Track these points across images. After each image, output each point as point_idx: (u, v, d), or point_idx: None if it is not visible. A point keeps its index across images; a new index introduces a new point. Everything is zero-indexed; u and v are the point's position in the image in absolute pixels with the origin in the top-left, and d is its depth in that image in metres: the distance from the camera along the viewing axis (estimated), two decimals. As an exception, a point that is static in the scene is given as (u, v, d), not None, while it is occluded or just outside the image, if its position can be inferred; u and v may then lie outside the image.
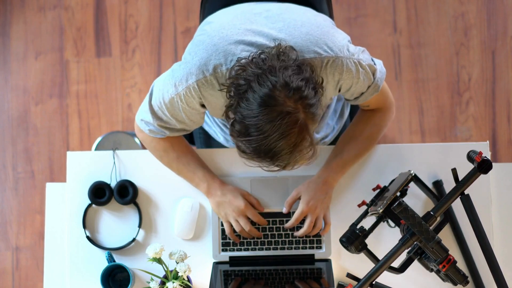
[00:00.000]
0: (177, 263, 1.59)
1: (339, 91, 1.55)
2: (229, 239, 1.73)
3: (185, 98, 1.50)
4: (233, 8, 1.62)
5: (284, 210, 1.72)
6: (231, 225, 1.71)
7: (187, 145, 1.72)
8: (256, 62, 1.36)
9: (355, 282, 1.46)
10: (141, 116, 1.62)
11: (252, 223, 1.71)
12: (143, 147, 2.56)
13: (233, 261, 1.73)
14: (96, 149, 2.56)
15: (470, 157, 1.49)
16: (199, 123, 1.61)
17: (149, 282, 1.60)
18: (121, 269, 1.69)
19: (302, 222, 1.72)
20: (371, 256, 1.54)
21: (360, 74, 1.50)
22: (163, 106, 1.55)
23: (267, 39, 1.46)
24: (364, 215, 1.63)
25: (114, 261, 1.72)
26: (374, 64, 1.55)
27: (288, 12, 1.52)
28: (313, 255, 1.72)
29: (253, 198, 1.73)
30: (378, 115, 1.69)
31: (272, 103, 1.29)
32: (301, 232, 1.70)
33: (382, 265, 1.45)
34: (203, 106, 1.53)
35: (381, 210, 1.54)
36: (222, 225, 1.73)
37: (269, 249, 1.73)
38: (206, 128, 1.92)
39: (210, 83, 1.47)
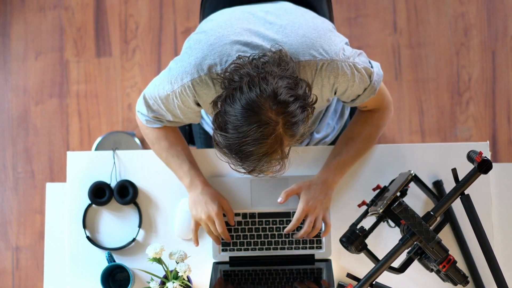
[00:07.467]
0: (177, 263, 1.59)
1: (335, 93, 1.55)
2: (229, 239, 1.73)
3: (180, 96, 1.51)
4: (233, 9, 1.62)
5: (279, 200, 1.69)
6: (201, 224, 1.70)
7: (180, 137, 1.73)
8: (255, 63, 1.37)
9: (355, 282, 1.46)
10: (138, 108, 1.67)
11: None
12: (143, 147, 2.56)
13: (233, 261, 1.73)
14: (96, 149, 2.56)
15: (470, 157, 1.49)
16: (194, 121, 1.62)
17: (149, 282, 1.60)
18: (121, 269, 1.69)
19: (300, 229, 1.71)
20: (371, 256, 1.54)
21: (355, 77, 1.50)
22: (158, 100, 1.56)
23: (263, 39, 1.46)
24: (364, 215, 1.63)
25: (114, 261, 1.72)
26: (371, 67, 1.54)
27: (287, 13, 1.52)
28: (313, 255, 1.72)
29: (230, 209, 1.70)
30: (376, 115, 1.69)
31: (254, 109, 1.30)
32: (301, 232, 1.69)
33: (382, 265, 1.45)
34: (198, 105, 1.54)
35: (381, 210, 1.54)
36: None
37: (269, 249, 1.73)
38: (207, 128, 1.92)
39: (205, 83, 1.47)
